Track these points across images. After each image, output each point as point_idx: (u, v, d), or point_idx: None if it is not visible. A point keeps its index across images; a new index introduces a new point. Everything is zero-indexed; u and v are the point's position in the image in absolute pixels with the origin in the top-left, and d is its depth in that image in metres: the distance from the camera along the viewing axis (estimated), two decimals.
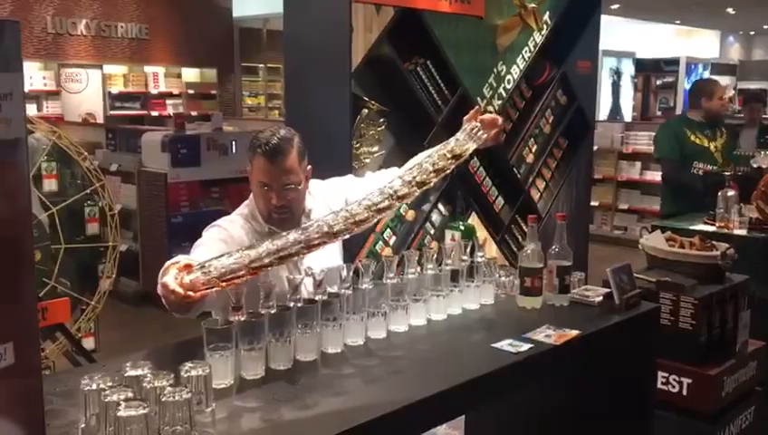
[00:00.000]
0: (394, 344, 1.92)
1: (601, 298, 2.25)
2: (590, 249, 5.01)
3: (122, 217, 5.78)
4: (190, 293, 1.74)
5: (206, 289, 1.77)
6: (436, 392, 1.62)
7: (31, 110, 9.34)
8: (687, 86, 9.55)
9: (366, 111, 3.65)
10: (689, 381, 2.67)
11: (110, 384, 1.33)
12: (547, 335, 1.98)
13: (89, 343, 3.30)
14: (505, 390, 1.88)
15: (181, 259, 1.85)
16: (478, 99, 4.15)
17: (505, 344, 1.90)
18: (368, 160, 3.70)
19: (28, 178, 0.89)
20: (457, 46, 3.98)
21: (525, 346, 1.89)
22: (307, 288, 1.98)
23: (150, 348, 1.95)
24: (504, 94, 4.32)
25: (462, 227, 2.40)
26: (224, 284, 1.76)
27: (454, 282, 2.15)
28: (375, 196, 1.92)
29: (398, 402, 1.55)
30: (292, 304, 1.78)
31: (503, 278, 2.36)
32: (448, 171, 2.01)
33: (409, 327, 2.01)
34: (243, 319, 1.68)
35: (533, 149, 4.64)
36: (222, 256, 1.81)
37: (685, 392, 2.68)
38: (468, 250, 2.20)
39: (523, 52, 4.42)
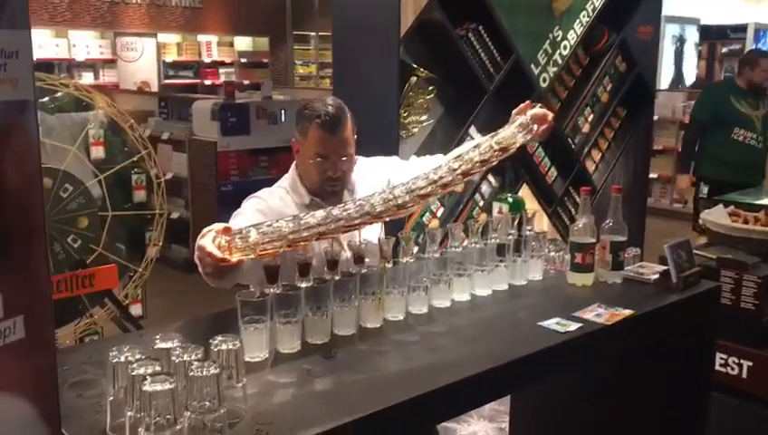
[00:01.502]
0: (436, 320, 1.85)
1: (658, 276, 2.14)
2: (648, 223, 4.84)
3: (173, 185, 5.85)
4: (226, 256, 1.68)
5: (243, 255, 1.71)
6: (478, 372, 1.54)
7: (88, 78, 9.50)
8: None
9: (414, 78, 3.55)
10: (750, 363, 2.53)
11: (138, 357, 1.29)
12: (598, 314, 1.88)
13: (136, 310, 3.33)
14: (551, 371, 1.79)
15: (220, 225, 1.80)
16: (532, 66, 3.99)
17: (553, 323, 1.81)
18: (416, 130, 3.62)
19: (38, 142, 0.84)
20: (511, 10, 3.82)
21: (574, 325, 1.80)
22: (347, 258, 1.91)
23: (186, 319, 1.91)
24: (560, 61, 4.15)
25: (510, 200, 2.28)
26: (261, 252, 1.70)
27: (500, 256, 2.06)
28: (419, 181, 1.88)
29: (436, 382, 1.48)
30: (329, 277, 1.72)
31: (552, 253, 2.26)
32: (494, 163, 2.00)
33: (452, 303, 1.94)
34: (279, 292, 1.63)
35: (590, 119, 4.47)
36: (262, 224, 1.75)
37: (744, 375, 2.54)
38: (516, 223, 2.10)
39: (581, 16, 4.23)
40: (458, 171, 1.90)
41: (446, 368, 1.56)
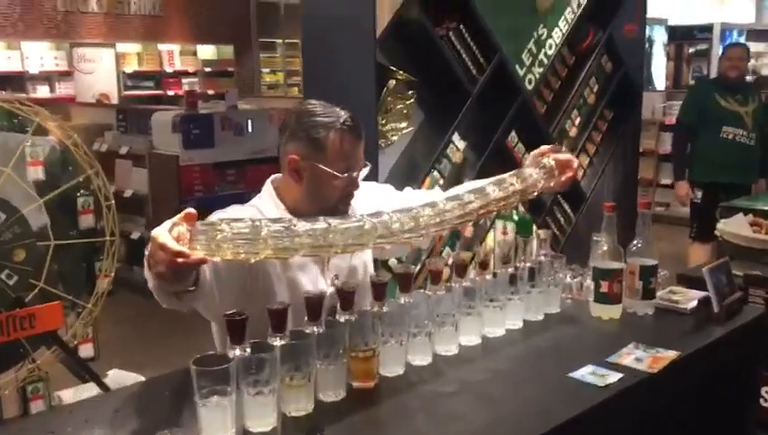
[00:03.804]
0: (442, 373, 1.50)
1: (695, 304, 1.80)
2: None
3: (133, 202, 5.43)
4: (184, 250, 1.27)
5: (208, 254, 1.31)
6: None
7: (43, 91, 8.98)
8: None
9: (393, 82, 3.21)
10: None
11: None
12: (638, 359, 1.55)
13: (87, 351, 2.92)
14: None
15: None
16: (517, 67, 3.67)
17: (587, 374, 1.47)
18: (395, 138, 3.28)
19: None
20: (494, 8, 3.51)
21: (613, 376, 1.46)
22: (330, 298, 1.55)
23: (142, 383, 1.53)
24: (546, 61, 3.85)
25: (516, 218, 1.94)
26: (231, 255, 1.32)
27: (512, 287, 1.72)
28: (448, 204, 1.64)
29: None
30: (310, 330, 1.35)
31: (568, 279, 1.93)
32: (513, 204, 1.80)
33: (460, 349, 1.60)
34: (246, 353, 1.25)
35: (577, 122, 4.17)
36: (239, 220, 1.37)
37: None
38: (526, 246, 1.77)
39: (566, 13, 3.94)
40: (472, 209, 1.64)
41: None
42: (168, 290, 1.42)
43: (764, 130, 4.70)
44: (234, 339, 1.26)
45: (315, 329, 1.36)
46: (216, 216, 1.62)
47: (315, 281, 1.71)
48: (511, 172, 1.80)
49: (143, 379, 2.97)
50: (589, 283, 1.84)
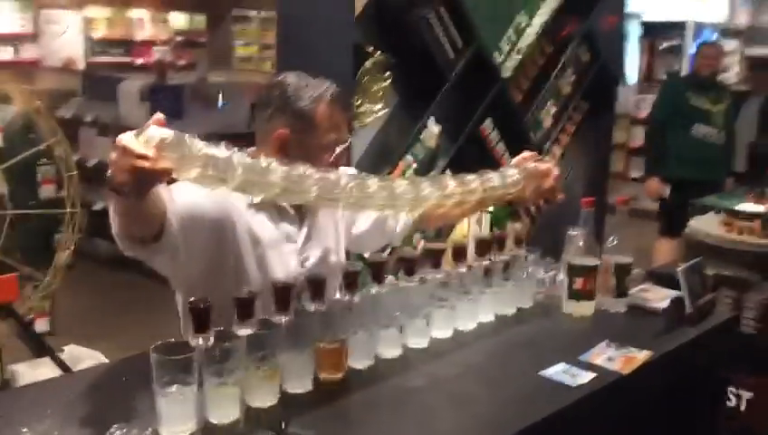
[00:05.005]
0: (413, 367, 1.46)
1: (667, 303, 1.79)
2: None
3: (97, 172, 5.28)
4: (149, 154, 1.16)
5: (178, 170, 1.22)
6: None
7: (6, 54, 8.67)
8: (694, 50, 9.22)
9: (370, 63, 3.15)
10: (750, 395, 2.22)
11: None
12: (609, 359, 1.53)
13: (43, 325, 2.82)
14: None
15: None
16: (495, 54, 3.62)
17: (559, 372, 1.45)
18: (369, 120, 3.23)
19: None
20: None
21: (585, 375, 1.44)
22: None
23: (99, 365, 1.46)
24: (524, 49, 3.80)
25: (491, 209, 1.90)
26: (196, 174, 1.23)
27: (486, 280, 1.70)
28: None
29: None
30: (278, 319, 1.29)
31: (541, 274, 1.90)
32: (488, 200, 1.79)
33: (431, 342, 1.56)
34: (209, 343, 1.20)
35: (552, 112, 4.14)
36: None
37: (743, 408, 2.23)
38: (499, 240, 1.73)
39: (547, 1, 3.88)
40: (454, 189, 1.61)
41: None
42: (133, 230, 1.35)
43: (733, 128, 4.76)
44: (197, 327, 1.19)
45: (283, 318, 1.30)
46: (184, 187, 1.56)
47: (286, 261, 1.67)
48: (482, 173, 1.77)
49: (101, 355, 2.90)
50: (562, 278, 1.81)
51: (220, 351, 1.19)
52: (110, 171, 1.20)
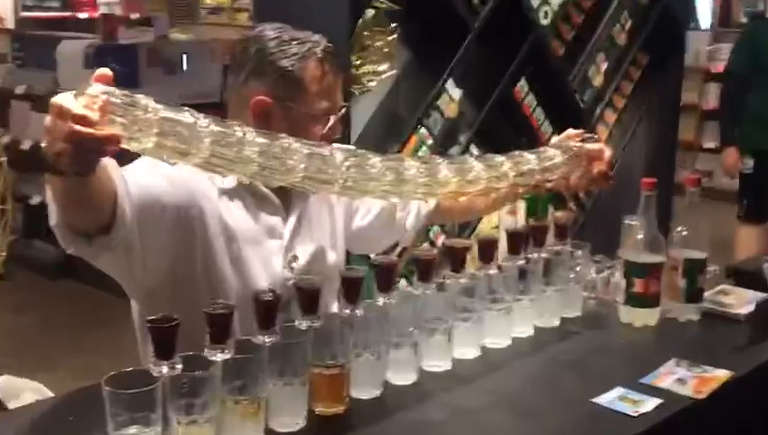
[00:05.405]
0: (431, 395, 1.49)
1: (752, 309, 1.81)
2: None
3: (32, 158, 5.33)
4: (90, 115, 1.15)
5: (126, 137, 1.20)
6: None
7: None
8: None
9: (371, 12, 3.18)
10: None
11: None
12: (680, 380, 1.55)
13: None
14: None
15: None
16: (535, 9, 3.64)
17: (615, 399, 1.47)
18: (373, 84, 3.27)
19: None
20: None
21: (649, 402, 1.46)
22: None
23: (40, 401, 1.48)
24: None
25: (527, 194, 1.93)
26: (152, 145, 1.23)
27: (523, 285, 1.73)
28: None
29: None
30: (261, 340, 1.32)
31: (592, 274, 1.94)
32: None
33: (454, 363, 1.59)
34: (176, 371, 1.22)
35: (603, 68, 4.18)
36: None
37: None
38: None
39: None
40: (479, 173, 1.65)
41: None
42: (76, 220, 1.35)
43: None
44: (160, 352, 1.21)
45: (267, 338, 1.32)
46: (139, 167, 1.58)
47: (268, 260, 1.69)
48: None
49: (42, 387, 2.93)
50: (618, 279, 1.84)
51: (189, 381, 1.21)
52: (44, 142, 1.20)
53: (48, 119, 1.18)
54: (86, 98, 1.17)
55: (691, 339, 1.76)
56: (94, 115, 1.15)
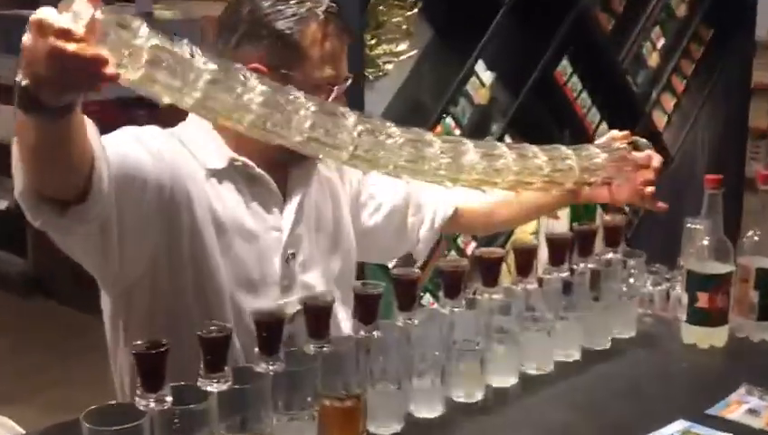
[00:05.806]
0: (458, 430, 1.52)
1: None
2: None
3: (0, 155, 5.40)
4: (75, 30, 1.15)
5: (117, 64, 1.21)
6: None
7: None
8: None
9: None
10: None
11: None
12: (752, 411, 1.57)
13: None
14: None
15: None
16: None
17: (676, 434, 1.49)
18: (390, 66, 3.31)
19: None
20: None
21: None
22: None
23: None
24: None
25: None
26: (142, 76, 1.24)
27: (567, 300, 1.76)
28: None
29: None
30: (264, 368, 1.34)
31: (648, 288, 1.98)
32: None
33: (486, 392, 1.61)
34: (165, 404, 1.24)
35: (659, 45, 4.21)
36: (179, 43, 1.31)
37: None
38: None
39: None
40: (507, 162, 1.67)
41: None
42: (47, 181, 1.36)
43: None
44: (147, 384, 1.23)
45: (270, 366, 1.34)
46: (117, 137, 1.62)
47: (263, 255, 1.71)
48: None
49: (12, 423, 2.96)
50: (679, 293, 1.87)
51: (181, 415, 1.24)
52: (21, 62, 1.20)
53: (26, 36, 1.18)
54: (72, 15, 1.17)
55: (765, 363, 1.78)
56: (79, 29, 1.16)
